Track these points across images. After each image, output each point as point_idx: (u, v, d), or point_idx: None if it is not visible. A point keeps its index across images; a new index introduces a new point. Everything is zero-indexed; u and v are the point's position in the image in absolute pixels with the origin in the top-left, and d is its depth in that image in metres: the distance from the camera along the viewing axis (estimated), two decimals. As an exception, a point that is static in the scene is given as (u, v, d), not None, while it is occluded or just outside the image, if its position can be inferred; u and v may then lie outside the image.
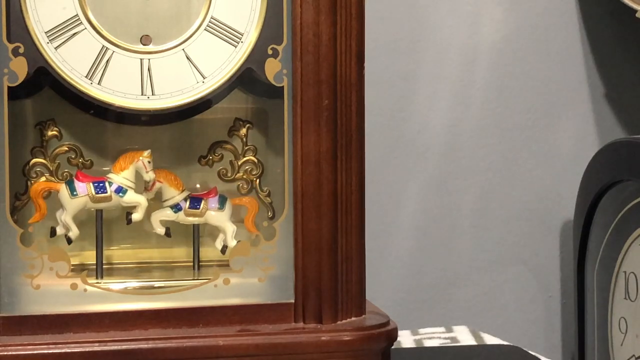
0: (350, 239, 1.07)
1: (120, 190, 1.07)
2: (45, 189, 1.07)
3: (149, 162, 1.08)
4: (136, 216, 1.08)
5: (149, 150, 1.09)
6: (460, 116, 1.62)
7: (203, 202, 1.10)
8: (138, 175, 1.08)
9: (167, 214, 1.10)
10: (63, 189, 1.07)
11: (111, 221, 1.11)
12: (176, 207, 1.10)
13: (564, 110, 1.65)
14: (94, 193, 1.07)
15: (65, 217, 1.07)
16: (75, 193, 1.07)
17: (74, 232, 1.07)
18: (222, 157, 1.13)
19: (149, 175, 1.08)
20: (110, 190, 1.07)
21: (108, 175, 1.08)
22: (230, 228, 1.10)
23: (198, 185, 1.13)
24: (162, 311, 1.04)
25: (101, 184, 1.07)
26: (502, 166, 1.64)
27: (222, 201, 1.10)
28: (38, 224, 1.07)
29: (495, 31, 1.62)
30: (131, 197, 1.08)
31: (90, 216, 1.09)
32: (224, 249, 1.10)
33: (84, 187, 1.07)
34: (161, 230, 1.10)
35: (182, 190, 1.10)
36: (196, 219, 1.10)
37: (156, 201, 1.10)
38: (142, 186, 1.09)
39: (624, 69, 1.67)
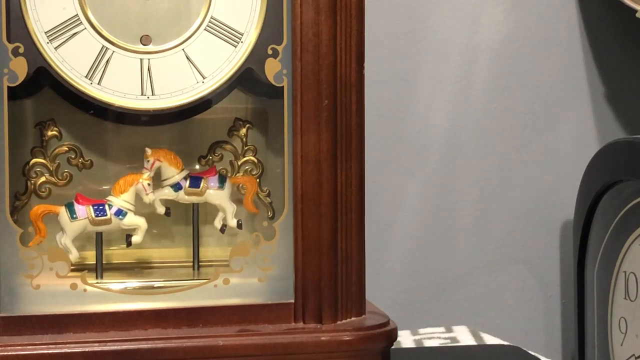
0: (350, 239, 1.07)
1: (120, 213, 1.07)
2: (45, 212, 1.07)
3: (149, 184, 1.08)
4: (136, 239, 1.08)
5: (148, 173, 1.08)
6: (460, 116, 1.62)
7: (203, 181, 1.10)
8: (138, 197, 1.08)
9: (167, 193, 1.10)
10: (63, 212, 1.07)
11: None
12: (176, 186, 1.10)
13: (564, 110, 1.65)
14: (93, 216, 1.07)
15: (65, 240, 1.07)
16: (74, 216, 1.07)
17: (74, 255, 1.07)
18: (222, 157, 1.13)
19: (149, 198, 1.08)
20: (110, 213, 1.07)
21: (108, 198, 1.08)
22: (230, 207, 1.10)
23: (197, 167, 1.13)
24: (162, 311, 1.04)
25: (101, 207, 1.07)
26: (502, 166, 1.64)
27: (222, 180, 1.11)
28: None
29: (495, 31, 1.62)
30: (131, 219, 1.08)
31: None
32: (223, 228, 1.10)
33: (83, 210, 1.07)
34: (161, 210, 1.10)
35: (182, 169, 1.10)
36: (196, 197, 1.10)
37: (156, 180, 1.10)
38: (142, 208, 1.09)
39: (624, 69, 1.67)
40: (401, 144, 1.60)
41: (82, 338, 1.01)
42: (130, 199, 1.08)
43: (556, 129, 1.65)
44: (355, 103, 1.07)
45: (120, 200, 1.08)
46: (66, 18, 1.03)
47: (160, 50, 1.05)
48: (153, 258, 1.14)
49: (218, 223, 1.11)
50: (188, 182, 1.10)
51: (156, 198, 1.10)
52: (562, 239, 1.65)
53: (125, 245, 1.09)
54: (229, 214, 1.10)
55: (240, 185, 1.12)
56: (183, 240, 1.14)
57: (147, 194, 1.08)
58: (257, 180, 1.13)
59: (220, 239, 1.13)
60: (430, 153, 1.61)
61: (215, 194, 1.11)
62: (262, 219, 1.11)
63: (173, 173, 1.10)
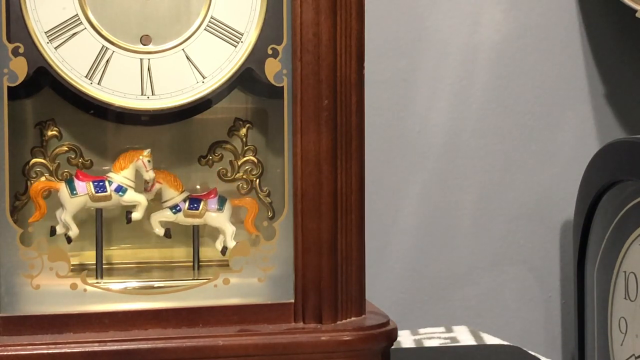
0: (350, 239, 1.07)
1: (120, 190, 1.07)
2: (45, 188, 1.07)
3: (149, 161, 1.08)
4: (136, 215, 1.08)
5: (148, 150, 1.09)
6: (460, 116, 1.62)
7: (202, 203, 1.10)
8: (138, 174, 1.08)
9: (167, 215, 1.10)
10: (63, 188, 1.07)
11: (111, 221, 1.12)
12: (175, 208, 1.10)
13: (564, 110, 1.65)
14: (93, 192, 1.07)
15: (65, 216, 1.07)
16: (75, 192, 1.07)
17: (73, 232, 1.07)
18: (222, 157, 1.13)
19: (149, 175, 1.08)
20: (110, 189, 1.07)
21: (108, 175, 1.08)
22: (229, 229, 1.10)
23: (198, 187, 1.13)
24: (162, 311, 1.04)
25: (101, 183, 1.07)
26: (502, 166, 1.64)
27: (222, 202, 1.10)
28: (38, 224, 1.07)
29: (495, 31, 1.62)
30: (131, 196, 1.08)
31: (91, 216, 1.09)
32: (224, 250, 1.10)
33: (83, 186, 1.07)
34: (160, 231, 1.10)
35: (182, 191, 1.10)
36: (195, 220, 1.10)
37: (156, 202, 1.10)
38: (142, 185, 1.09)
39: (624, 69, 1.67)
40: (401, 144, 1.61)
41: (82, 338, 1.01)
42: (130, 175, 1.08)
43: (556, 129, 1.65)
44: (355, 103, 1.07)
45: (120, 177, 1.08)
46: (66, 18, 1.03)
47: (160, 50, 1.05)
48: (153, 258, 1.14)
49: (219, 245, 1.11)
50: (187, 204, 1.10)
51: (155, 220, 1.10)
52: (562, 239, 1.65)
53: (125, 244, 1.09)
54: (229, 235, 1.10)
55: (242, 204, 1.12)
56: (183, 240, 1.14)
57: (147, 171, 1.08)
58: (257, 180, 1.12)
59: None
60: (430, 153, 1.61)
61: (214, 216, 1.10)
62: (262, 219, 1.11)
63: (173, 195, 1.10)
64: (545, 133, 1.65)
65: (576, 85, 1.66)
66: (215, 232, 1.11)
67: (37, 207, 1.06)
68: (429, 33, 1.60)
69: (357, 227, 1.08)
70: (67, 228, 1.07)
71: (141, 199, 1.08)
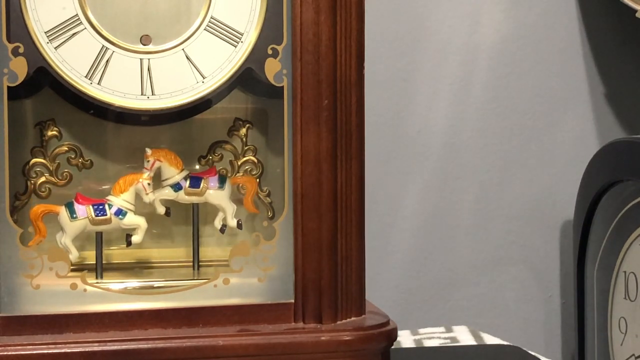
0: (350, 239, 1.07)
1: (120, 213, 1.07)
2: (45, 212, 1.07)
3: (149, 184, 1.08)
4: (136, 238, 1.08)
5: (148, 173, 1.08)
6: (460, 116, 1.62)
7: (203, 181, 1.10)
8: (138, 197, 1.08)
9: (167, 193, 1.10)
10: (62, 212, 1.07)
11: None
12: (176, 186, 1.10)
13: (564, 110, 1.65)
14: (93, 215, 1.07)
15: (64, 240, 1.06)
16: (74, 216, 1.07)
17: (73, 255, 1.07)
18: (222, 157, 1.13)
19: (149, 197, 1.08)
20: (109, 212, 1.07)
21: (108, 198, 1.08)
22: (230, 207, 1.11)
23: (197, 167, 1.13)
24: (162, 311, 1.04)
25: (101, 207, 1.07)
26: (502, 166, 1.64)
27: (222, 180, 1.11)
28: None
29: (495, 31, 1.62)
30: (131, 219, 1.08)
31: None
32: (223, 228, 1.11)
33: (83, 210, 1.07)
34: (161, 210, 1.10)
35: (182, 170, 1.10)
36: (196, 197, 1.10)
37: (156, 180, 1.10)
38: (142, 208, 1.09)
39: (624, 69, 1.67)
40: (401, 144, 1.61)
41: (82, 338, 1.01)
42: (130, 198, 1.08)
43: (556, 129, 1.65)
44: (355, 103, 1.07)
45: (120, 200, 1.08)
46: (66, 18, 1.03)
47: (160, 50, 1.05)
48: (153, 258, 1.14)
49: (218, 223, 1.11)
50: (188, 182, 1.10)
51: (156, 198, 1.10)
52: (562, 239, 1.65)
53: (125, 245, 1.09)
54: (229, 214, 1.11)
55: (240, 185, 1.12)
56: (183, 240, 1.14)
57: (147, 194, 1.08)
58: (257, 180, 1.13)
59: (220, 239, 1.13)
60: (430, 153, 1.61)
61: (215, 194, 1.11)
62: (262, 219, 1.11)
63: (173, 173, 1.10)
64: (545, 133, 1.65)
65: (576, 85, 1.66)
66: (215, 211, 1.11)
67: (37, 231, 1.06)
68: (429, 33, 1.60)
69: (357, 227, 1.08)
70: (67, 251, 1.06)
71: (141, 222, 1.08)
